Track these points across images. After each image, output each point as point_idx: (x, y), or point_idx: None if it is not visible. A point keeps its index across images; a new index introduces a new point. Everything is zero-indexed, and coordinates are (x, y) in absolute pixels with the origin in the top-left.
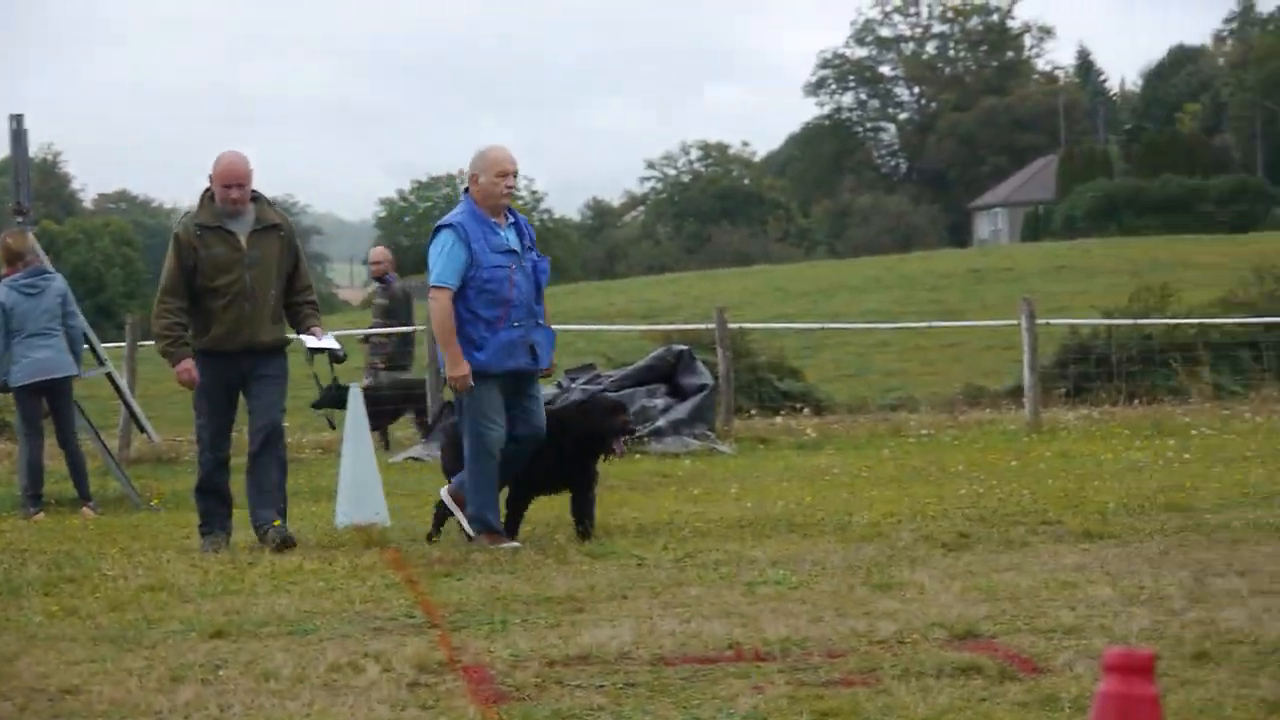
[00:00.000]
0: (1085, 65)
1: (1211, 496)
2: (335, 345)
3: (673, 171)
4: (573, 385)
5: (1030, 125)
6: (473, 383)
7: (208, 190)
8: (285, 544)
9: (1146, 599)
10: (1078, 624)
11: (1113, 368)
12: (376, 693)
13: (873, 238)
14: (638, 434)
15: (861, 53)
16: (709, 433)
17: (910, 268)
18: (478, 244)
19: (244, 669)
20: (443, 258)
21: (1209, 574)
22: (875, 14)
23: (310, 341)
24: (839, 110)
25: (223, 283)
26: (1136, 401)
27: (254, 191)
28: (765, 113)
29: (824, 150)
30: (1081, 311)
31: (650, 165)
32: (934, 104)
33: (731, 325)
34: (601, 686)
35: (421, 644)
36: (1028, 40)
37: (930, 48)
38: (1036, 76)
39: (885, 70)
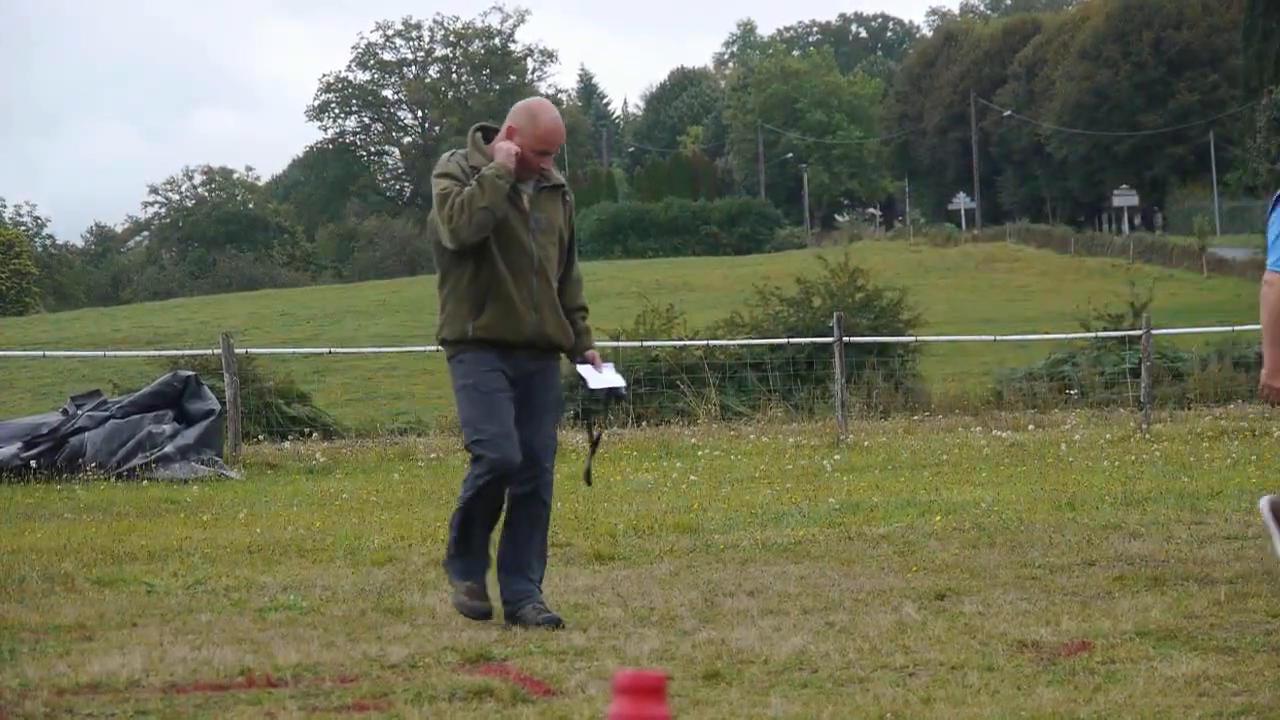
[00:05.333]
0: (588, 89)
1: (720, 517)
2: (619, 381)
3: (176, 196)
4: (79, 412)
5: None
6: None
7: (482, 130)
8: (552, 624)
9: (657, 620)
10: (589, 645)
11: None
12: None
13: (379, 261)
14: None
15: (364, 76)
16: (217, 458)
17: (416, 291)
18: None
19: None
20: None
21: (719, 594)
22: (377, 37)
23: (590, 375)
24: (343, 134)
25: (507, 249)
26: (645, 423)
27: None
28: (267, 136)
29: (328, 174)
30: None
31: (153, 190)
32: (438, 127)
33: (238, 350)
34: (112, 715)
35: None
36: (530, 64)
37: (433, 71)
38: None
39: (388, 94)
